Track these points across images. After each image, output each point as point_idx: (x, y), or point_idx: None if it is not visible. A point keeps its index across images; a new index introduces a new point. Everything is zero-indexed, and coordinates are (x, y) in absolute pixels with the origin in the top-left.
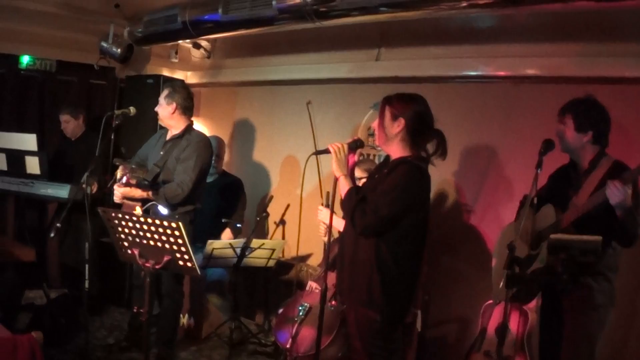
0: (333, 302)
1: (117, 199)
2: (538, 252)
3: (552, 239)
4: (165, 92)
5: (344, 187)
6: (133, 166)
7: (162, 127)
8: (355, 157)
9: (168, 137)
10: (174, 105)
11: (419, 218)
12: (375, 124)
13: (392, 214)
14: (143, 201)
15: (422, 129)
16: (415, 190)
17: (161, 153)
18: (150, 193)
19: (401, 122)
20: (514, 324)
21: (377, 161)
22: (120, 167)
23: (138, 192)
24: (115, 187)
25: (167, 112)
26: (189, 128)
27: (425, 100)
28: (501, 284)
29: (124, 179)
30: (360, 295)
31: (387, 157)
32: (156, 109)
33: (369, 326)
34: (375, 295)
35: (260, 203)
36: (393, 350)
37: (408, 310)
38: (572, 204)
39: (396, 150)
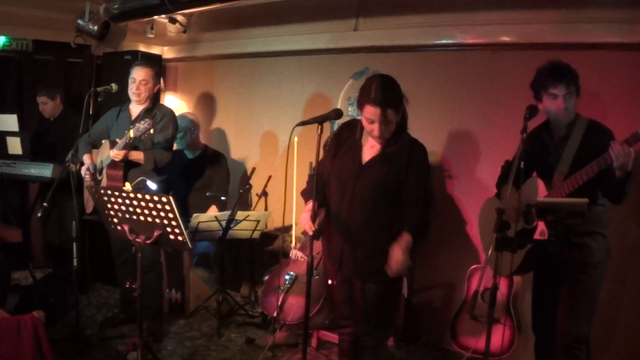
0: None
1: (87, 177)
2: (535, 226)
3: (539, 202)
4: (151, 71)
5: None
6: None
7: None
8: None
9: (135, 111)
10: (162, 82)
11: None
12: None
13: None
14: (130, 178)
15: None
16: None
17: (131, 127)
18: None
19: (400, 109)
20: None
21: None
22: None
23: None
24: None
25: (155, 90)
26: (155, 101)
27: (377, 75)
28: (490, 248)
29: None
30: (367, 266)
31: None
32: (142, 85)
33: (374, 293)
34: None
35: (242, 176)
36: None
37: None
38: (558, 173)
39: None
